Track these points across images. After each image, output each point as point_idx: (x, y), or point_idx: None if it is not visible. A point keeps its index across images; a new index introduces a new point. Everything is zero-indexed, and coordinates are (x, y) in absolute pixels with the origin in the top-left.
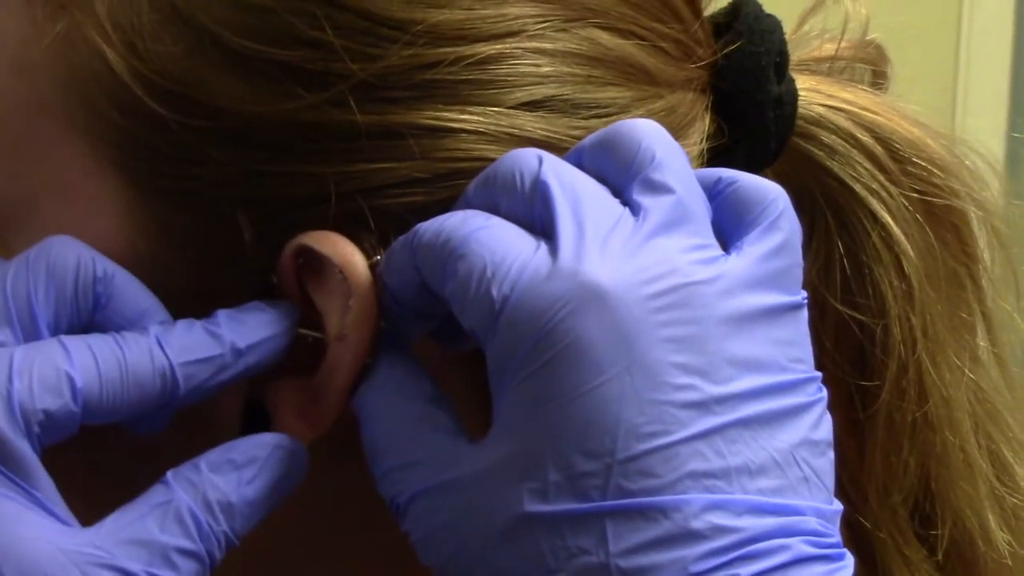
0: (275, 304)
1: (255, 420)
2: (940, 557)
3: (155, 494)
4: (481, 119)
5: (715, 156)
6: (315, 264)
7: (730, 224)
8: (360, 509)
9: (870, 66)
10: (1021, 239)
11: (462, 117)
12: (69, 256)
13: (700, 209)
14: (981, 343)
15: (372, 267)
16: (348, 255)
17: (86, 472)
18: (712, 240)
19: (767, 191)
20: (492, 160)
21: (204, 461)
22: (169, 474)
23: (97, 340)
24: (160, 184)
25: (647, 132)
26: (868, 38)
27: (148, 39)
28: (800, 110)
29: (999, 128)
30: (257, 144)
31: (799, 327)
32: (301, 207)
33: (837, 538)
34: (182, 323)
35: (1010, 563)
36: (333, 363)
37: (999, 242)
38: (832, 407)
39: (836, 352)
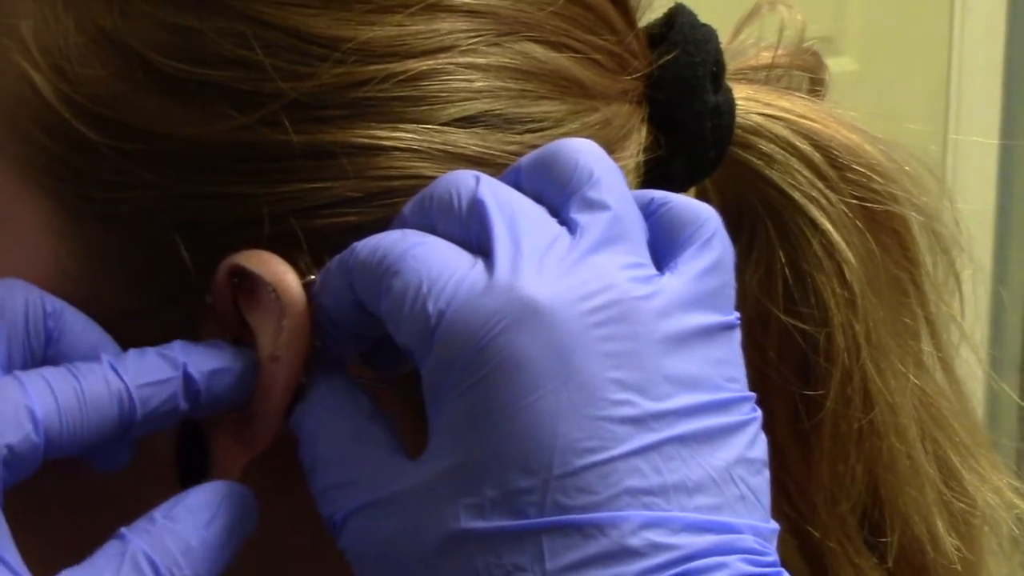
0: (234, 345)
1: (190, 442)
2: (890, 564)
3: (110, 547)
4: (414, 136)
5: (653, 168)
6: (249, 284)
7: (663, 244)
8: (312, 530)
9: (808, 73)
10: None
11: (395, 135)
12: (17, 295)
13: (637, 228)
14: (926, 348)
15: (306, 287)
16: (280, 274)
17: (39, 523)
18: (648, 259)
19: (699, 211)
20: (426, 178)
21: (158, 512)
22: (123, 529)
23: (52, 372)
24: (91, 208)
25: (584, 151)
26: (805, 45)
27: (76, 62)
28: (738, 119)
29: (991, 135)
30: (188, 166)
31: (733, 347)
32: (235, 228)
33: (774, 557)
34: (134, 351)
35: (960, 568)
36: (266, 383)
37: (940, 247)
38: (778, 417)
39: (780, 362)
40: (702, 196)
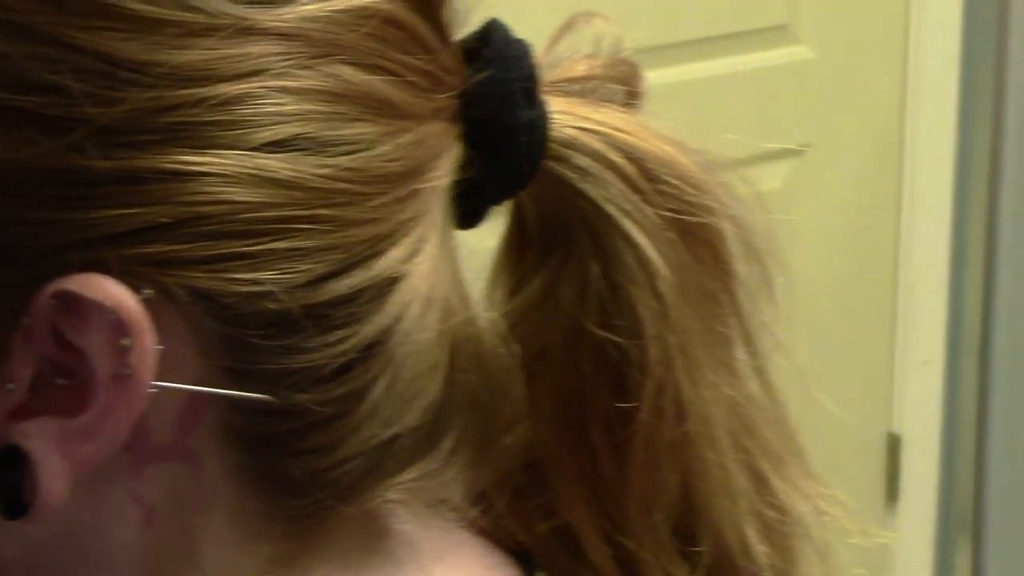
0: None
1: (9, 461)
2: (703, 574)
3: None
4: (225, 161)
5: (469, 184)
6: (72, 308)
7: None
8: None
9: (623, 85)
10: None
11: (205, 160)
12: None
13: None
14: (740, 357)
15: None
16: (119, 296)
17: None
18: None
19: None
20: (236, 203)
21: None
22: None
23: None
24: None
25: None
26: (620, 56)
27: None
28: (552, 132)
29: (949, 119)
30: None
31: None
32: (45, 255)
33: None
34: None
35: None
36: (110, 402)
37: (755, 257)
38: (593, 429)
39: (595, 375)
40: (518, 209)
